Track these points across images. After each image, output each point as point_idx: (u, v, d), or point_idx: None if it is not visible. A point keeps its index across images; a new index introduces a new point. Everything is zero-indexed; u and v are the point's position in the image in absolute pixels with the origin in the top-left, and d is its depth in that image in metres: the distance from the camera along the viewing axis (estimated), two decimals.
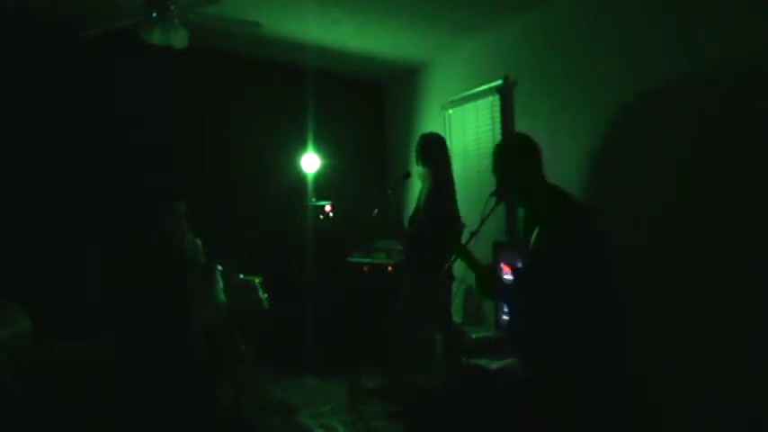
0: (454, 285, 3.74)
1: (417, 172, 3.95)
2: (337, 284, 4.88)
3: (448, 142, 4.55)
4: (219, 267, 4.03)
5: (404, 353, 3.94)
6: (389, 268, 4.56)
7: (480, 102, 4.33)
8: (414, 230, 3.86)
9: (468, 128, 4.53)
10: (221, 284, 4.02)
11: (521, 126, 3.95)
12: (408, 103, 5.53)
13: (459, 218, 3.72)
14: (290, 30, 4.53)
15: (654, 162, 2.90)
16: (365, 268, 4.67)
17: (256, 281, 4.12)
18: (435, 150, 3.86)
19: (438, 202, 3.68)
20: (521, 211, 2.82)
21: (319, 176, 5.29)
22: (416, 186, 4.18)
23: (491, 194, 2.62)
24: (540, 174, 2.49)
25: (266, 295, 4.15)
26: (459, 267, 3.08)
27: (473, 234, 2.54)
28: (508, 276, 3.08)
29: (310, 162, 5.21)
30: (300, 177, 5.25)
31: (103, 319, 3.90)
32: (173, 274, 3.76)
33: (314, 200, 5.17)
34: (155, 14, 3.23)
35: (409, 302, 3.84)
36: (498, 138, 4.09)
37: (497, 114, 4.10)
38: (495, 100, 4.13)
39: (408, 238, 3.95)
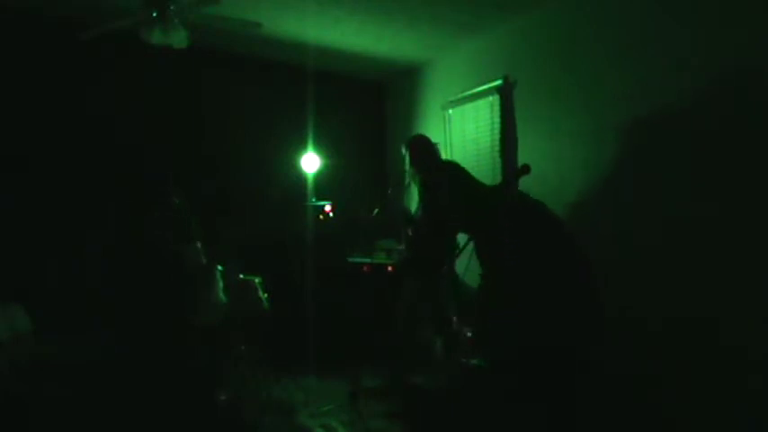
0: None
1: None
2: (337, 284, 4.88)
3: (448, 142, 4.56)
4: (219, 267, 4.03)
5: (404, 353, 3.93)
6: (389, 268, 4.56)
7: (480, 102, 4.33)
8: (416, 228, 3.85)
9: (468, 128, 4.53)
10: (221, 284, 4.01)
11: (520, 126, 3.95)
12: (408, 103, 5.53)
13: None
14: (290, 29, 4.53)
15: (653, 161, 2.90)
16: (365, 268, 4.66)
17: (256, 281, 4.11)
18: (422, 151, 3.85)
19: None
20: None
21: (319, 176, 5.28)
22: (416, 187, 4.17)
23: None
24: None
25: (266, 295, 4.14)
26: (459, 267, 3.08)
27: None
28: None
29: (310, 162, 5.21)
30: (300, 177, 5.25)
31: (103, 319, 3.90)
32: (173, 274, 3.76)
33: (314, 200, 5.17)
34: (154, 14, 3.23)
35: (409, 302, 3.84)
36: (498, 138, 4.09)
37: (497, 114, 4.10)
38: (494, 100, 4.13)
39: (415, 224, 3.90)
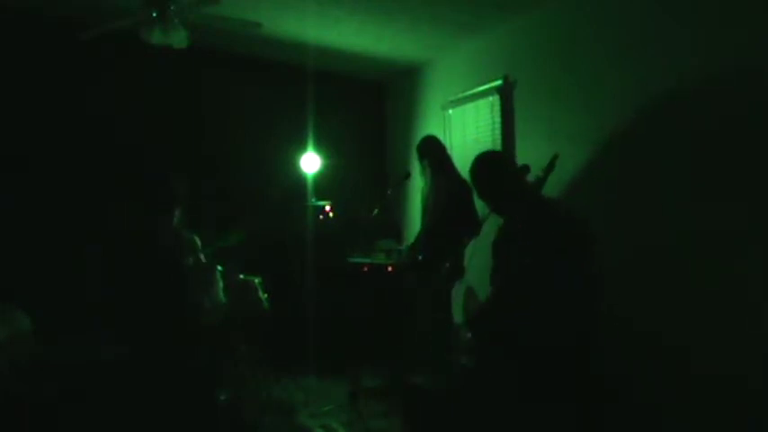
0: (455, 285, 3.74)
1: (418, 170, 3.97)
2: (337, 284, 4.88)
3: (448, 142, 4.56)
4: (219, 267, 4.03)
5: (404, 353, 3.93)
6: (389, 268, 4.56)
7: (480, 102, 4.33)
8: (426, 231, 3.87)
9: (468, 128, 4.53)
10: (221, 284, 4.01)
11: (520, 126, 3.95)
12: (408, 103, 5.53)
13: (479, 223, 3.64)
14: (290, 29, 4.53)
15: (652, 161, 2.90)
16: (365, 268, 4.66)
17: (256, 281, 4.11)
18: (431, 147, 3.89)
19: (452, 205, 3.66)
20: None
21: (319, 176, 5.28)
22: (416, 187, 4.17)
23: None
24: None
25: (266, 295, 4.13)
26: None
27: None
28: None
29: (310, 162, 5.21)
30: (300, 177, 5.25)
31: (103, 320, 3.90)
32: (172, 275, 3.76)
33: (314, 200, 5.16)
34: (154, 14, 3.23)
35: (410, 303, 3.84)
36: (498, 138, 4.09)
37: (497, 114, 4.10)
38: (494, 100, 4.13)
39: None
